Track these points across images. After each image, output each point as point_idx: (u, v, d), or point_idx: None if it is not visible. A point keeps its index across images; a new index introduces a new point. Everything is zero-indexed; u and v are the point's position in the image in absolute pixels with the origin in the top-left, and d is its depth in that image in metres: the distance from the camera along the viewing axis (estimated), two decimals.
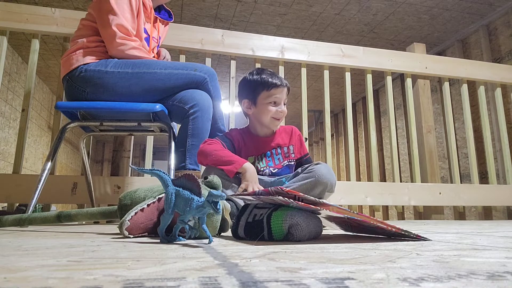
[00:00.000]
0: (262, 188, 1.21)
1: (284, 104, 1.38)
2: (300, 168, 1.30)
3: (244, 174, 1.22)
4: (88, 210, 1.04)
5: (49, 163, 1.36)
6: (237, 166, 1.22)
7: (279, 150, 1.40)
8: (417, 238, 0.75)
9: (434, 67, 2.40)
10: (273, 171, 1.36)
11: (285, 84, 1.36)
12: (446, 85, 2.44)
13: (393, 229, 0.73)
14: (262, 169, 1.36)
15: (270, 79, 1.34)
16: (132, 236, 0.82)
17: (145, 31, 1.51)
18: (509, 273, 0.36)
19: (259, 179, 1.26)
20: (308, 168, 1.25)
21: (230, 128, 1.51)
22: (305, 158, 1.45)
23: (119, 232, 0.82)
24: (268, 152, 1.39)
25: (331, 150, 2.27)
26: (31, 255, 0.52)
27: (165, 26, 1.70)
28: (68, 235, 0.93)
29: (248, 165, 1.23)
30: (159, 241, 0.73)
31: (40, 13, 1.81)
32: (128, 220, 0.80)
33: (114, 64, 1.38)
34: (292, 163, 1.41)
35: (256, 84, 1.36)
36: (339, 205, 0.75)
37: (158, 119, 1.44)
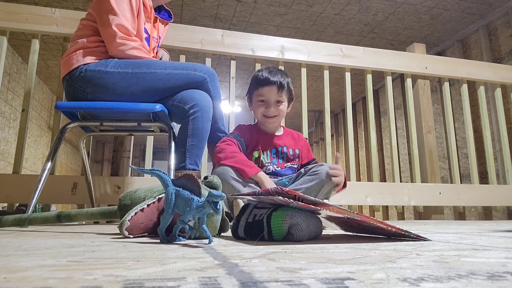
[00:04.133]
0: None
1: (278, 102, 1.36)
2: (303, 169, 1.31)
3: (262, 185, 1.22)
4: (88, 210, 1.04)
5: (49, 163, 1.36)
6: (252, 172, 1.22)
7: (285, 150, 1.41)
8: (417, 238, 0.75)
9: (434, 67, 2.40)
10: (276, 170, 1.37)
11: (274, 83, 1.32)
12: (446, 85, 2.44)
13: (393, 229, 0.73)
14: (266, 164, 1.36)
15: (260, 77, 1.34)
16: (132, 236, 0.82)
17: (145, 31, 1.51)
18: (509, 273, 0.36)
19: None
20: (312, 170, 1.26)
21: (239, 124, 1.48)
22: (312, 163, 1.45)
23: (119, 232, 0.82)
24: (274, 149, 1.40)
25: (331, 150, 2.27)
26: (31, 255, 0.51)
27: (165, 26, 1.69)
28: (68, 235, 0.93)
29: (263, 175, 1.23)
30: (159, 241, 0.73)
31: (40, 13, 1.81)
32: (128, 220, 0.80)
33: (114, 64, 1.38)
34: (296, 166, 1.42)
35: (251, 81, 1.41)
36: (339, 205, 0.75)
37: (158, 119, 1.44)
